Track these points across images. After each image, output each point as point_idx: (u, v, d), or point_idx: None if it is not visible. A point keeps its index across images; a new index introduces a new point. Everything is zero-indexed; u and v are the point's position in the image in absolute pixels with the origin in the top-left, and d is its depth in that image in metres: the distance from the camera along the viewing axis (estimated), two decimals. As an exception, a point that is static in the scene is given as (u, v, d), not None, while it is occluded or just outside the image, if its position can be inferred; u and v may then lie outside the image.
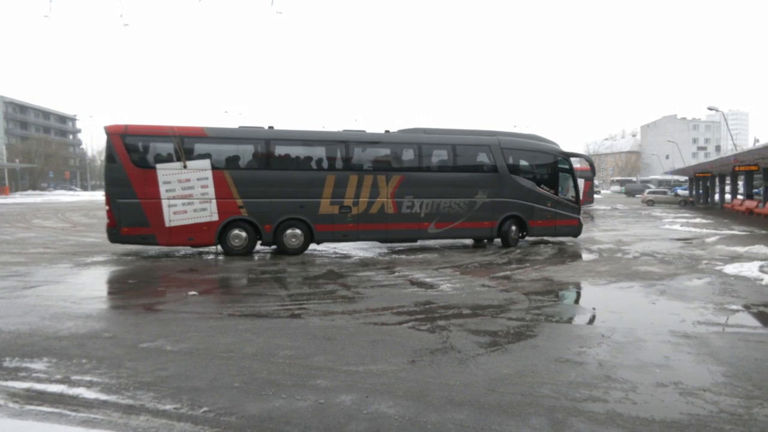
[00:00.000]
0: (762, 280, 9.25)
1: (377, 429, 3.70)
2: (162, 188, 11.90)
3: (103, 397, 4.22)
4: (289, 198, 12.75)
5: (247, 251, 12.55)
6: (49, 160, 73.29)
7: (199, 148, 12.48)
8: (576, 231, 15.59)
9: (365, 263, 11.71)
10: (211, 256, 12.56)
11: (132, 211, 11.78)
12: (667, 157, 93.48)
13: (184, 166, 12.08)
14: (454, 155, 14.33)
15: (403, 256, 12.68)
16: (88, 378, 4.61)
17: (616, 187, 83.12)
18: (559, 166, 15.45)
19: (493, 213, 14.39)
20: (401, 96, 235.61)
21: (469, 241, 15.81)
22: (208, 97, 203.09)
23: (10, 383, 4.48)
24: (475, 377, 4.69)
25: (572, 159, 16.41)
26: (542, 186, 15.02)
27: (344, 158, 13.36)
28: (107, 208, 11.89)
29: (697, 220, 24.37)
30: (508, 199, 14.52)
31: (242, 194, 12.42)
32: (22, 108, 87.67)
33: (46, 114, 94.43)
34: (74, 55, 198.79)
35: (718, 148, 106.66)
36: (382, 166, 13.73)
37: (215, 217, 12.23)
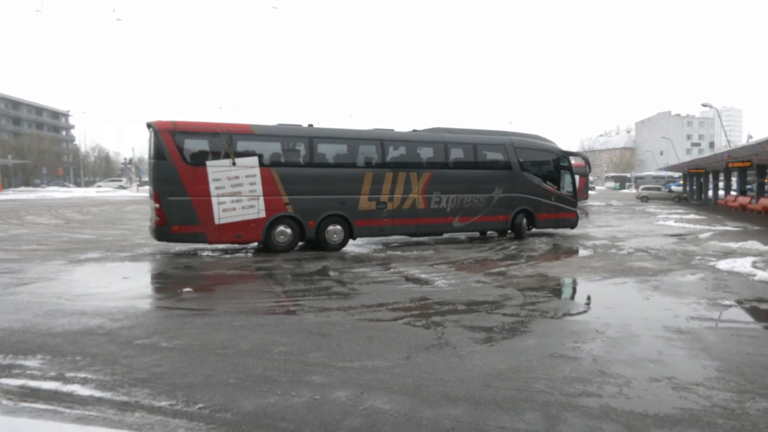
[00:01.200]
0: (754, 275, 9.32)
1: (372, 424, 3.71)
2: (212, 185, 11.86)
3: (97, 393, 4.21)
4: (331, 195, 13.07)
5: (290, 248, 12.71)
6: (42, 157, 72.74)
7: (247, 145, 12.51)
8: (574, 223, 17.14)
9: (360, 259, 11.71)
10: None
11: (183, 208, 11.62)
12: (662, 153, 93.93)
13: (233, 164, 12.08)
14: (475, 154, 15.31)
15: (398, 253, 12.69)
16: (82, 375, 4.60)
17: (611, 183, 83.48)
18: (561, 163, 16.75)
19: (507, 207, 15.49)
20: (395, 91, 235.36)
21: (463, 237, 15.95)
22: (202, 92, 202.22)
23: (4, 380, 4.46)
24: (470, 373, 4.71)
25: (570, 157, 17.55)
26: (547, 182, 16.32)
27: (380, 156, 13.85)
28: (157, 206, 11.55)
29: (691, 216, 24.51)
30: (520, 195, 15.69)
31: (288, 191, 12.60)
32: (15, 104, 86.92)
33: (38, 110, 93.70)
34: (67, 51, 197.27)
35: (711, 145, 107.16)
36: (414, 163, 14.35)
37: (262, 214, 12.35)
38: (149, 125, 11.97)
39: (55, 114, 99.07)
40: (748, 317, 6.94)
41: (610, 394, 4.26)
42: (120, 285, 8.83)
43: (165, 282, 9.41)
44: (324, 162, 13.29)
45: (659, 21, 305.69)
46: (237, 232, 12.14)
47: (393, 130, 14.69)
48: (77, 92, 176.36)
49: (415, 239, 15.16)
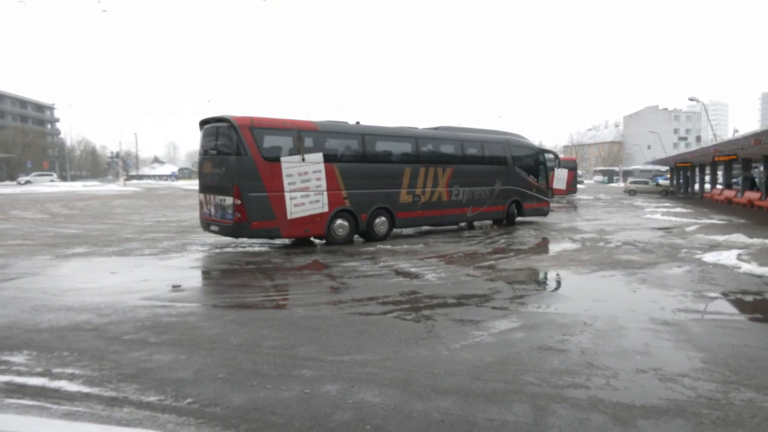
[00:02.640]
0: (739, 268, 9.45)
1: (363, 418, 3.72)
2: (285, 181, 12.08)
3: (85, 389, 4.18)
4: (379, 189, 13.89)
5: (348, 241, 13.17)
6: (26, 150, 71.77)
7: (311, 141, 12.84)
8: (547, 211, 19.78)
9: (350, 254, 11.70)
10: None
11: (261, 204, 11.71)
12: (649, 147, 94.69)
13: (303, 159, 12.38)
14: (483, 151, 16.98)
15: (388, 246, 12.70)
16: (69, 371, 4.56)
17: (599, 177, 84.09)
18: (539, 159, 19.07)
19: (504, 198, 17.43)
20: (384, 85, 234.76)
21: (456, 231, 16.03)
22: (189, 84, 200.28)
23: (-10, 377, 4.41)
24: (459, 366, 4.73)
25: (546, 154, 19.97)
26: (530, 176, 18.44)
27: (416, 152, 14.96)
28: (238, 202, 11.40)
29: (678, 210, 24.76)
30: (513, 187, 17.72)
31: (346, 186, 13.13)
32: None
33: (23, 103, 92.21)
34: (52, 42, 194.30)
35: (698, 139, 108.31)
36: (441, 159, 15.53)
37: (326, 209, 12.75)
38: (223, 119, 11.86)
39: (40, 107, 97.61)
40: (733, 309, 7.04)
41: (598, 385, 4.30)
42: (107, 280, 8.75)
43: (153, 277, 9.34)
44: (374, 158, 14.01)
45: (648, 15, 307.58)
46: (305, 226, 12.48)
47: (416, 128, 15.91)
48: (62, 85, 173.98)
49: (403, 233, 15.30)
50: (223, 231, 11.97)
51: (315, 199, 12.55)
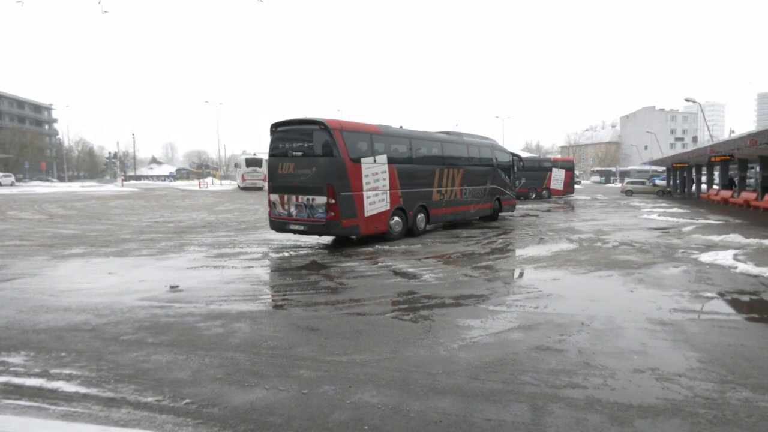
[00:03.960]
0: (736, 268, 9.48)
1: (360, 418, 3.73)
2: (363, 181, 12.87)
3: (83, 390, 4.18)
4: (420, 188, 15.10)
5: (401, 236, 14.22)
6: (24, 151, 71.57)
7: (378, 144, 13.70)
8: (514, 207, 21.88)
9: (348, 254, 11.71)
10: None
11: (349, 203, 12.44)
12: (646, 147, 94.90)
13: (374, 161, 13.27)
14: (480, 153, 18.70)
15: (386, 247, 12.71)
16: (67, 371, 4.56)
17: (596, 178, 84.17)
18: (510, 162, 21.17)
19: (491, 196, 19.24)
20: (381, 85, 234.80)
21: (454, 231, 16.04)
22: (187, 85, 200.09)
23: (-13, 378, 4.40)
24: (457, 366, 4.74)
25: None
26: (506, 177, 20.52)
27: (442, 155, 16.31)
28: (332, 201, 12.01)
29: (674, 210, 24.81)
30: (496, 186, 19.56)
31: (400, 185, 14.16)
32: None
33: (20, 103, 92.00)
34: (49, 43, 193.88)
35: (695, 139, 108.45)
36: (457, 162, 17.05)
37: (388, 207, 13.71)
38: (314, 122, 12.41)
39: (37, 107, 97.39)
40: (729, 309, 7.06)
41: (595, 385, 4.32)
42: (105, 280, 8.74)
43: (149, 278, 9.33)
44: (417, 160, 15.23)
45: (645, 16, 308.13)
46: (375, 223, 13.31)
47: (431, 132, 17.31)
48: (60, 85, 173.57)
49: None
50: (314, 229, 12.45)
51: (381, 198, 13.50)
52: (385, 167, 13.59)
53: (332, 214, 12.03)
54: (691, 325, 6.09)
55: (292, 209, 12.57)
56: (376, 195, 13.22)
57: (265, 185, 49.03)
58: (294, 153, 12.61)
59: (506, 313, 6.61)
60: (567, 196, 38.64)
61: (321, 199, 12.10)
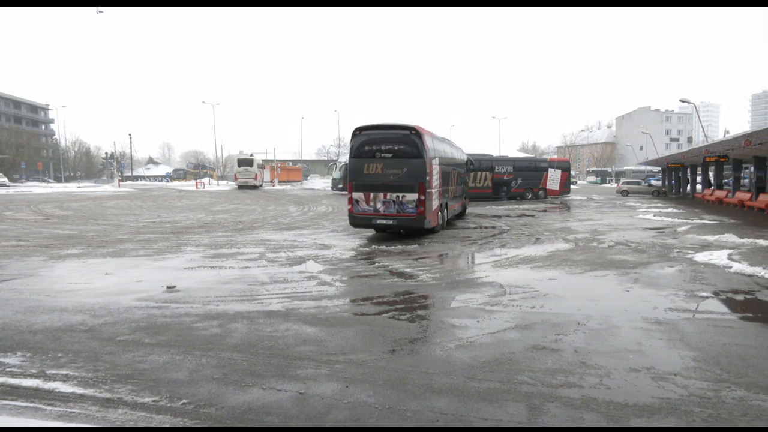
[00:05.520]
0: (730, 267, 9.53)
1: (357, 417, 3.74)
2: (433, 180, 14.59)
3: (79, 390, 4.18)
4: (447, 186, 16.83)
5: (443, 227, 16.09)
6: (21, 151, 71.22)
7: (435, 148, 15.32)
8: (466, 205, 23.74)
9: (346, 255, 11.71)
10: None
11: (430, 200, 14.15)
12: (642, 148, 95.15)
13: (438, 162, 15.20)
14: (461, 155, 21.40)
15: (383, 247, 12.72)
16: (64, 372, 4.56)
17: (592, 178, 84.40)
18: (470, 165, 23.83)
19: (464, 195, 21.97)
20: (377, 86, 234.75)
21: (452, 231, 16.07)
22: (185, 85, 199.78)
23: (-17, 378, 4.39)
24: (454, 366, 4.76)
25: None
26: (467, 178, 23.20)
27: (456, 159, 19.35)
28: (422, 197, 13.67)
29: (670, 210, 24.89)
30: (464, 186, 22.23)
31: (441, 184, 15.74)
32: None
33: (17, 103, 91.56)
34: (46, 43, 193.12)
35: (690, 140, 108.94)
36: (453, 165, 18.72)
37: (438, 203, 15.39)
38: (406, 127, 13.94)
39: (34, 108, 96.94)
40: (724, 308, 7.10)
41: (591, 384, 4.34)
42: (102, 281, 8.73)
43: (146, 277, 9.31)
44: (446, 162, 16.77)
45: (640, 17, 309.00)
46: (435, 217, 15.00)
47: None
48: (57, 86, 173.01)
49: (401, 232, 15.35)
50: (404, 223, 13.93)
51: (437, 195, 15.11)
52: (437, 168, 15.06)
53: (421, 209, 13.68)
54: (686, 325, 6.12)
55: (379, 205, 13.84)
56: (436, 192, 14.91)
57: (257, 183, 49.87)
58: (384, 155, 13.84)
59: (502, 313, 6.63)
60: (563, 197, 38.67)
61: (412, 196, 13.66)
